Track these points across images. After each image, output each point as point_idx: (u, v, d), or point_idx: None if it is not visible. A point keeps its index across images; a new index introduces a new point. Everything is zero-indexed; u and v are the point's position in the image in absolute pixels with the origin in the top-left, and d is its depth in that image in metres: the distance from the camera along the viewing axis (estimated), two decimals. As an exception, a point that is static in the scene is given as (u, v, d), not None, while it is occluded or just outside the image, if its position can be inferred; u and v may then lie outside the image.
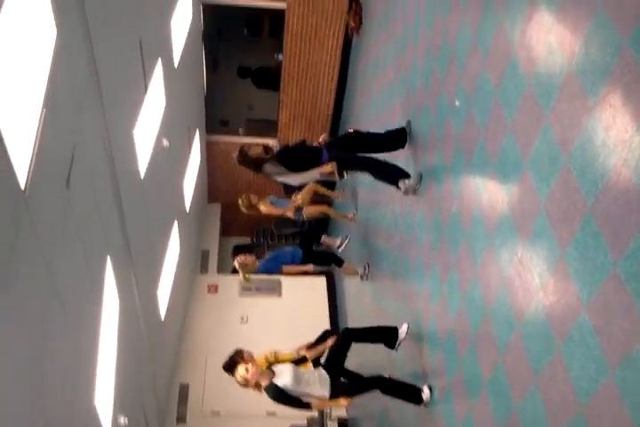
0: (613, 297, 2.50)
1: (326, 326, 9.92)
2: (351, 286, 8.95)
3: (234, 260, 11.19)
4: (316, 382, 4.74)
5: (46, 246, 3.19)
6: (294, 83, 9.48)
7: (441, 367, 4.60)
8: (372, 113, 7.48)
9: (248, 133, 11.13)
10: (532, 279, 3.21)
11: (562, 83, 2.96)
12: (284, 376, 4.63)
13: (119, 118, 4.81)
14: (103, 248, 4.54)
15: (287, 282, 10.49)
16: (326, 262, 7.91)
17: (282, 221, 11.69)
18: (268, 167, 5.74)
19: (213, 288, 10.33)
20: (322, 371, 4.89)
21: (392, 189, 5.76)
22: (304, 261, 7.33)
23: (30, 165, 2.82)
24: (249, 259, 6.88)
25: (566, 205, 2.87)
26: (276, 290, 10.41)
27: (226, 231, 12.01)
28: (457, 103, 4.40)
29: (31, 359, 3.18)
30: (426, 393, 4.83)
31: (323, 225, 11.41)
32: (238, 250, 11.19)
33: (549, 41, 3.11)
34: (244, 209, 7.50)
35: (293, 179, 5.83)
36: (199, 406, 8.98)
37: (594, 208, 2.65)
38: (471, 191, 4.11)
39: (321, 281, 10.53)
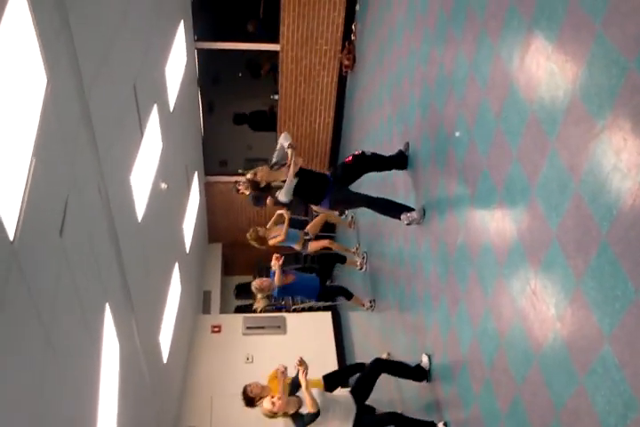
0: (637, 327, 2.39)
1: (334, 361, 9.73)
2: (357, 320, 8.79)
3: (237, 298, 11.09)
4: (341, 414, 4.64)
5: (38, 297, 3.07)
6: (291, 121, 9.51)
7: (456, 402, 4.44)
8: (370, 146, 7.45)
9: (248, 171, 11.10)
10: (547, 310, 3.10)
11: (566, 107, 2.91)
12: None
13: (115, 164, 4.75)
14: (101, 296, 4.43)
15: (292, 319, 10.34)
16: (336, 295, 7.81)
17: (284, 256, 11.63)
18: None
19: (217, 328, 10.16)
20: (349, 401, 4.73)
21: (395, 222, 5.71)
22: (320, 297, 7.30)
23: (20, 216, 2.73)
24: (265, 283, 6.85)
25: (580, 233, 2.78)
26: (280, 327, 10.24)
27: (228, 271, 11.91)
28: (457, 134, 4.36)
29: (26, 414, 3.03)
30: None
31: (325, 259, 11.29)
32: (241, 289, 11.07)
33: (550, 66, 3.07)
34: (253, 243, 7.49)
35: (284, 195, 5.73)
36: (207, 451, 8.74)
37: (609, 235, 2.56)
38: (477, 221, 4.03)
39: (326, 317, 10.37)
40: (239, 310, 11.17)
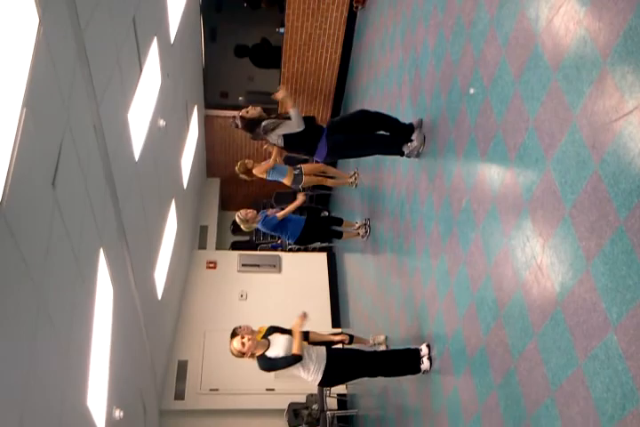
0: (647, 321, 2.32)
1: (327, 303, 9.81)
2: (352, 264, 8.79)
3: (234, 234, 11.01)
4: (310, 363, 4.68)
5: (29, 255, 2.97)
6: (296, 57, 9.15)
7: (447, 365, 4.46)
8: (378, 91, 7.20)
9: (248, 104, 10.81)
10: (552, 288, 3.02)
11: (594, 80, 2.72)
12: (276, 348, 4.63)
13: (112, 103, 4.55)
14: (95, 242, 4.34)
15: (287, 258, 10.35)
16: (327, 237, 7.73)
17: (281, 194, 11.53)
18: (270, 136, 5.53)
19: (212, 264, 10.18)
20: (321, 351, 4.78)
21: (399, 169, 5.58)
22: (299, 241, 7.18)
23: (8, 175, 2.58)
24: (250, 214, 6.77)
25: (595, 216, 2.66)
26: (275, 266, 10.26)
27: (225, 206, 11.81)
28: (472, 91, 4.15)
29: (16, 357, 2.99)
30: (424, 356, 4.80)
31: (323, 200, 11.22)
32: (236, 247, 11.03)
33: (581, 33, 2.85)
34: (241, 175, 7.39)
35: (295, 125, 5.58)
36: (197, 382, 8.91)
37: (628, 223, 2.44)
38: (485, 186, 3.89)
39: (321, 258, 10.38)
40: (235, 245, 11.17)
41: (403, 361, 4.97)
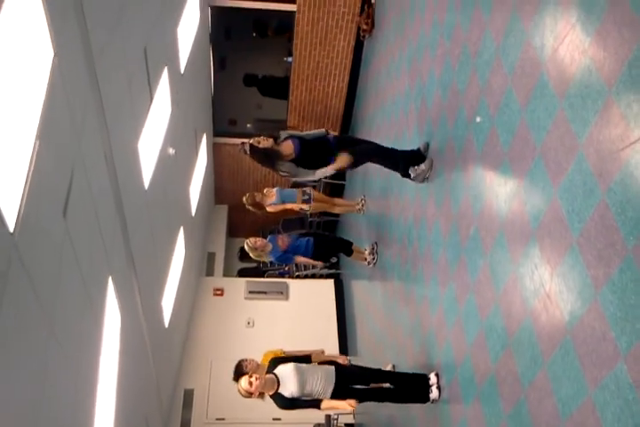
0: (657, 351, 2.30)
1: (334, 330, 9.75)
2: (360, 291, 8.76)
3: (241, 260, 10.97)
4: (321, 382, 4.59)
5: (39, 286, 2.98)
6: (303, 86, 9.26)
7: (456, 395, 4.41)
8: (385, 119, 7.26)
9: (257, 132, 10.93)
10: (560, 316, 3.01)
11: (600, 109, 2.74)
12: (289, 384, 4.51)
13: (123, 133, 4.62)
14: (104, 270, 4.36)
15: (295, 285, 10.32)
16: (334, 251, 7.68)
17: (289, 220, 11.56)
18: (283, 166, 5.59)
19: (219, 291, 10.16)
20: (329, 370, 4.70)
21: (406, 196, 5.60)
22: (314, 256, 7.17)
23: (21, 205, 2.61)
24: (259, 243, 6.70)
25: (603, 244, 2.66)
26: (283, 293, 10.22)
27: (232, 232, 11.84)
28: (478, 119, 4.19)
29: (25, 385, 2.98)
30: (433, 384, 4.74)
31: (331, 227, 11.24)
32: (243, 273, 11.04)
33: (586, 62, 2.89)
34: (248, 207, 7.40)
35: (311, 175, 5.67)
36: (204, 411, 8.82)
37: (635, 251, 2.44)
38: (493, 213, 3.90)
39: (329, 284, 10.34)
40: (242, 272, 11.16)
41: (411, 386, 4.92)
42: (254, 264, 11.31)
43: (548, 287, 3.14)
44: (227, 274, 10.91)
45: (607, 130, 2.68)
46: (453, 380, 4.50)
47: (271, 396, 4.52)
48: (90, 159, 3.86)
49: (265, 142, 5.44)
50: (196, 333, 9.51)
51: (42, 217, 2.97)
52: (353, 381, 4.75)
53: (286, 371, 4.57)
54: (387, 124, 7.13)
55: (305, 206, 7.41)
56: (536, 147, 3.33)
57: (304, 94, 9.56)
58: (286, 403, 4.51)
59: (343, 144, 5.48)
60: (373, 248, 7.33)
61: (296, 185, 8.44)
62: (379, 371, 5.14)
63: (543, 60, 3.29)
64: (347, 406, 4.75)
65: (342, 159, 5.34)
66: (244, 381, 4.44)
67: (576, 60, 2.97)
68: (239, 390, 4.49)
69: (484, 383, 3.92)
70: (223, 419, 8.78)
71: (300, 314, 9.87)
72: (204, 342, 9.41)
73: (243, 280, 10.31)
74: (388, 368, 6.19)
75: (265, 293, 10.12)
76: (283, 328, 9.61)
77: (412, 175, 5.26)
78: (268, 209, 7.50)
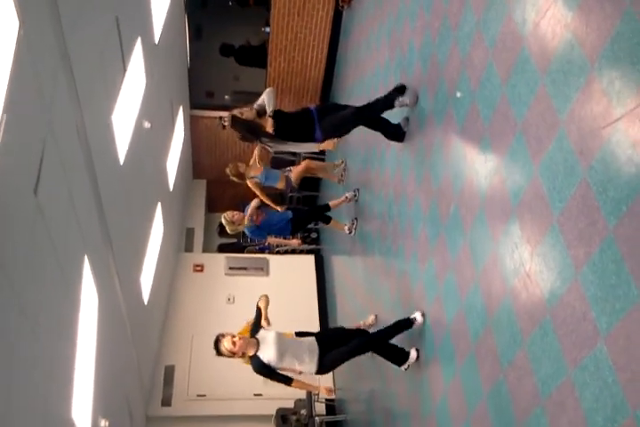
0: (637, 332, 2.28)
1: (315, 306, 9.75)
2: (340, 267, 8.74)
3: (220, 236, 10.88)
4: (304, 355, 4.65)
5: (10, 267, 2.89)
6: (282, 57, 9.08)
7: (436, 373, 4.41)
8: (364, 90, 7.14)
9: (234, 104, 10.74)
10: (540, 295, 2.98)
11: (582, 85, 2.68)
12: (268, 349, 4.58)
13: (95, 106, 4.48)
14: (79, 248, 4.26)
15: (275, 261, 10.28)
16: (312, 220, 7.63)
17: (268, 195, 11.45)
18: (266, 140, 5.49)
19: (199, 267, 10.08)
20: (312, 341, 4.75)
21: (386, 170, 5.53)
22: (292, 232, 7.13)
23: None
24: (237, 216, 6.66)
25: (584, 224, 2.62)
26: (263, 269, 10.17)
27: (212, 207, 11.72)
28: (458, 94, 4.11)
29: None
30: (412, 356, 4.79)
31: (310, 202, 11.16)
32: (223, 248, 10.94)
33: (568, 37, 2.81)
34: (233, 178, 7.31)
35: (293, 147, 5.58)
36: (185, 388, 8.80)
37: (616, 231, 2.40)
38: (473, 190, 3.85)
39: (309, 260, 10.31)
40: (222, 248, 11.09)
41: (391, 354, 4.98)
42: (234, 240, 11.24)
43: (528, 267, 3.11)
44: (206, 250, 10.83)
45: (589, 107, 2.62)
46: (433, 356, 4.50)
47: (250, 357, 4.58)
48: (61, 134, 3.73)
49: (248, 113, 5.30)
50: (177, 309, 9.45)
51: (11, 195, 2.87)
52: (337, 346, 4.77)
53: (267, 338, 4.64)
54: (366, 95, 7.00)
55: (279, 208, 7.33)
56: (517, 123, 3.27)
57: (282, 65, 9.38)
58: (261, 368, 4.59)
59: (325, 113, 5.35)
60: (353, 224, 7.28)
61: (277, 165, 8.30)
62: (362, 331, 5.14)
63: (524, 35, 3.21)
64: (319, 389, 4.81)
65: (329, 144, 5.33)
66: (227, 341, 4.52)
67: (558, 34, 2.89)
68: (221, 350, 4.55)
69: (463, 361, 3.92)
70: (204, 395, 8.77)
71: (281, 290, 9.81)
72: (184, 319, 9.36)
73: (222, 256, 10.23)
74: (371, 319, 6.18)
75: (245, 268, 10.06)
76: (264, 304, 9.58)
77: (396, 105, 5.14)
78: (248, 183, 7.40)
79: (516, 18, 3.32)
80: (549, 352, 2.87)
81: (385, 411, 5.83)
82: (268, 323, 4.97)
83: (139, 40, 5.62)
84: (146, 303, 7.40)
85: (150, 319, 8.01)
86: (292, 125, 5.41)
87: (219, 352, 5.38)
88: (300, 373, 4.76)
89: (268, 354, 4.55)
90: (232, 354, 4.53)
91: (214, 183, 11.32)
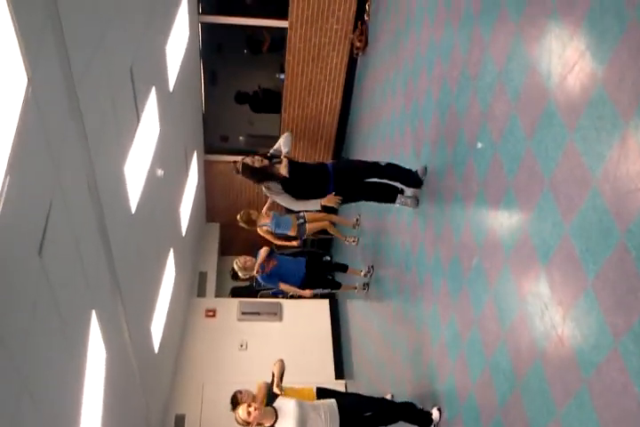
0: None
1: (329, 351, 9.51)
2: (356, 313, 8.54)
3: (233, 279, 10.78)
4: (324, 421, 4.41)
5: (11, 336, 2.75)
6: (296, 102, 9.09)
7: (460, 433, 4.19)
8: (379, 138, 7.08)
9: (249, 148, 10.75)
10: (575, 363, 2.79)
11: (615, 143, 2.55)
12: (286, 421, 4.34)
13: (107, 158, 4.41)
14: (87, 304, 4.13)
15: (288, 305, 10.09)
16: (326, 286, 7.53)
17: (282, 237, 11.34)
18: (273, 186, 5.38)
19: (211, 313, 9.91)
20: (332, 406, 4.52)
21: (403, 220, 5.44)
22: (304, 285, 7.00)
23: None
24: (249, 263, 6.59)
25: (622, 290, 2.46)
26: (276, 314, 10.00)
27: (225, 251, 11.61)
28: (479, 145, 4.00)
29: None
30: (435, 416, 4.57)
31: (325, 245, 11.03)
32: (236, 292, 10.80)
33: (599, 92, 2.70)
34: (242, 224, 7.23)
35: (294, 205, 5.46)
36: (196, 438, 8.57)
37: (660, 301, 2.24)
38: (498, 245, 3.70)
39: (323, 305, 10.13)
40: (235, 291, 10.92)
41: (413, 416, 4.75)
42: (247, 283, 11.07)
43: (560, 330, 2.93)
44: (219, 294, 10.68)
45: (624, 166, 2.49)
46: (457, 417, 4.28)
47: None
48: (70, 190, 3.64)
49: (259, 163, 5.21)
50: (188, 356, 9.26)
51: (13, 258, 2.75)
52: (357, 412, 4.57)
53: (287, 407, 4.41)
54: (381, 143, 6.95)
55: (294, 243, 7.27)
56: (544, 178, 3.13)
57: (297, 111, 9.38)
58: None
59: (341, 178, 5.23)
60: (369, 271, 7.13)
61: (290, 211, 8.21)
62: (381, 400, 4.92)
63: (550, 88, 3.10)
64: None
65: (331, 200, 5.19)
66: (242, 410, 4.32)
67: (587, 89, 2.78)
68: (236, 419, 4.37)
69: (490, 425, 3.70)
70: (216, 445, 8.50)
71: (295, 335, 9.64)
72: (195, 366, 9.16)
73: (235, 301, 10.07)
74: (387, 397, 5.96)
75: (258, 313, 9.89)
76: (277, 350, 9.33)
77: (397, 205, 5.29)
78: (259, 231, 7.34)
79: (540, 70, 3.22)
80: (587, 425, 2.67)
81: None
82: (280, 390, 4.71)
83: (153, 89, 5.60)
84: (156, 352, 7.23)
85: (161, 367, 7.82)
86: (302, 176, 5.28)
87: (235, 408, 5.21)
88: None
89: (287, 423, 4.32)
90: (246, 424, 4.32)
91: (227, 226, 11.21)
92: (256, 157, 5.35)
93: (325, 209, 6.63)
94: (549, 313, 3.04)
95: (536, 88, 3.26)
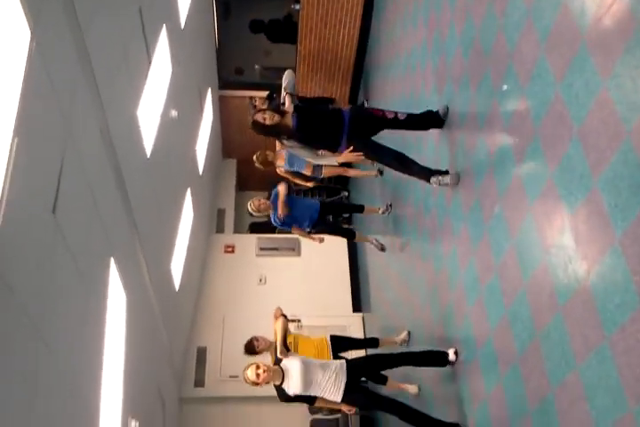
0: None
1: (347, 287, 9.61)
2: (374, 251, 8.52)
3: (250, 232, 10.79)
4: (330, 386, 4.47)
5: (25, 290, 2.75)
6: (312, 34, 8.74)
7: (477, 377, 4.23)
8: (399, 72, 6.83)
9: (264, 81, 10.48)
10: (597, 320, 2.75)
11: (652, 95, 2.40)
12: (293, 381, 4.41)
13: (120, 104, 4.30)
14: (106, 253, 4.14)
15: (306, 241, 10.08)
16: (337, 234, 7.53)
17: (300, 175, 11.25)
18: (287, 141, 5.26)
19: (230, 249, 10.00)
20: (339, 367, 4.56)
21: (423, 161, 5.27)
22: (315, 230, 7.00)
23: (1, 208, 2.35)
24: (263, 206, 6.64)
25: (652, 250, 2.38)
26: (294, 249, 10.06)
27: (243, 186, 11.57)
28: (505, 87, 3.82)
29: (15, 385, 2.80)
30: (451, 358, 4.59)
31: (343, 181, 10.92)
32: (255, 228, 10.80)
33: (637, 35, 2.51)
34: (259, 166, 7.16)
35: (309, 156, 5.33)
36: (217, 369, 8.82)
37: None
38: (521, 194, 3.59)
39: (342, 241, 10.07)
40: (253, 227, 10.95)
41: (428, 361, 4.80)
42: (265, 219, 11.09)
43: (583, 284, 2.87)
44: (237, 230, 10.72)
45: (661, 119, 2.34)
46: (473, 361, 4.31)
47: (275, 386, 4.48)
48: (83, 140, 3.57)
49: (270, 120, 5.01)
50: (208, 291, 9.42)
51: (27, 219, 2.71)
52: (367, 370, 4.66)
53: (293, 367, 4.46)
54: (402, 78, 6.71)
55: (310, 184, 7.18)
56: (573, 126, 2.98)
57: (313, 43, 9.04)
58: (286, 398, 4.49)
59: (357, 127, 4.89)
60: (387, 209, 7.06)
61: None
62: (392, 356, 4.93)
63: (584, 30, 2.90)
64: (340, 407, 4.69)
65: (349, 156, 4.87)
66: (250, 371, 4.38)
67: (625, 34, 2.59)
68: (244, 379, 4.43)
69: (507, 372, 3.72)
70: (237, 376, 8.72)
71: (313, 270, 9.72)
72: (216, 300, 9.33)
73: (254, 237, 10.12)
74: (403, 335, 6.01)
75: (276, 249, 9.96)
76: (295, 285, 9.50)
77: (433, 185, 4.80)
78: (278, 171, 7.26)
79: (573, 9, 3.01)
80: (607, 381, 2.66)
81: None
82: (285, 355, 4.63)
83: (163, 28, 5.40)
84: (177, 290, 7.34)
85: (182, 304, 7.97)
86: (314, 122, 5.05)
87: (249, 352, 5.30)
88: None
89: (293, 386, 4.41)
90: (255, 385, 4.39)
91: (244, 162, 11.08)
92: (267, 113, 5.15)
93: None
94: (573, 266, 2.97)
95: (568, 29, 3.05)
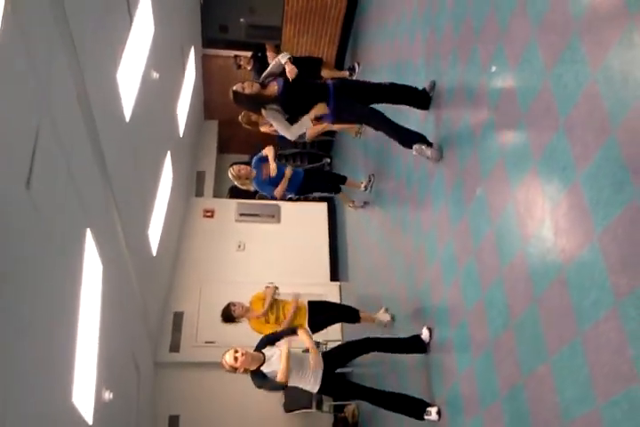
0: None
1: (326, 255, 9.60)
2: (354, 219, 8.52)
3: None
4: (309, 375, 4.45)
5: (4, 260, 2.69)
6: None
7: (450, 357, 4.27)
8: (387, 41, 6.68)
9: (249, 39, 10.21)
10: (572, 315, 2.76)
11: (642, 93, 2.34)
12: (273, 367, 4.36)
13: (98, 66, 4.15)
14: (81, 224, 4.05)
15: (287, 208, 10.06)
16: (324, 189, 7.42)
17: (283, 139, 11.10)
18: (271, 107, 5.12)
19: (209, 213, 9.90)
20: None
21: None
22: (300, 192, 6.93)
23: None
24: (243, 171, 6.45)
25: (629, 250, 2.36)
26: (274, 216, 9.99)
27: (224, 148, 11.40)
28: (493, 69, 3.74)
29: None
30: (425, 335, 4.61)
31: (326, 147, 10.81)
32: (234, 193, 10.63)
33: (630, 28, 2.44)
34: (245, 126, 7.06)
35: (289, 132, 5.18)
36: (193, 334, 8.79)
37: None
38: (503, 179, 3.55)
39: (322, 208, 10.09)
40: (233, 191, 10.83)
41: (405, 348, 4.84)
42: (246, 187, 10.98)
43: (560, 277, 2.87)
44: (217, 194, 10.59)
45: (650, 119, 2.29)
46: (447, 342, 4.35)
47: (251, 371, 4.35)
48: (59, 106, 3.44)
49: (250, 89, 4.90)
50: (186, 256, 9.33)
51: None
52: (343, 360, 4.71)
53: (274, 358, 4.40)
54: (389, 47, 6.57)
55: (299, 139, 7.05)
56: (559, 117, 2.93)
57: (300, 3, 8.80)
58: (260, 383, 4.37)
59: (342, 95, 4.82)
60: (370, 180, 7.00)
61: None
62: (367, 342, 4.90)
63: (577, 18, 2.82)
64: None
65: (320, 108, 4.78)
66: (229, 355, 4.28)
67: (619, 26, 2.51)
68: (222, 363, 4.32)
69: (479, 355, 3.76)
70: (213, 342, 8.77)
71: (292, 238, 9.68)
72: (193, 265, 9.26)
73: (233, 202, 10.02)
74: (386, 318, 5.89)
75: (256, 215, 9.88)
76: (274, 252, 9.46)
77: (413, 152, 4.71)
78: (262, 129, 7.14)
79: (568, -5, 2.92)
80: (577, 376, 2.68)
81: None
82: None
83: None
84: (154, 255, 7.28)
85: (159, 270, 7.92)
86: (300, 92, 4.96)
87: (227, 320, 5.25)
88: None
89: (272, 371, 4.31)
90: (233, 369, 4.26)
91: (226, 124, 10.92)
92: (246, 83, 5.05)
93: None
94: (551, 258, 2.96)
95: (561, 16, 2.97)
